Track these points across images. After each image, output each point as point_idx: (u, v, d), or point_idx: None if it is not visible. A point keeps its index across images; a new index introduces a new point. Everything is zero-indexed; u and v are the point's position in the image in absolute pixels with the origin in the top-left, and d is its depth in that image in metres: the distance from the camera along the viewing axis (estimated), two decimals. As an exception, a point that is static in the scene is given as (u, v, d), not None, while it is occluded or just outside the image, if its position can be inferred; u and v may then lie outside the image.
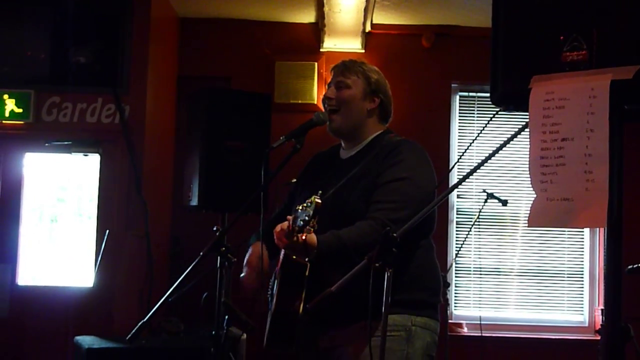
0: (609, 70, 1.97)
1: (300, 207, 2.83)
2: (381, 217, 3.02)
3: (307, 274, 3.05)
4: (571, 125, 2.00)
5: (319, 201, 2.76)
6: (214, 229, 3.70)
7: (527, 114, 2.13)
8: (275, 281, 3.27)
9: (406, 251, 3.05)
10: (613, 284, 2.12)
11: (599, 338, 2.14)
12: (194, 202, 4.82)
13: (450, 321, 6.51)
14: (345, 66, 3.42)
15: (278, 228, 2.98)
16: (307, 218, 2.76)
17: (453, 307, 6.83)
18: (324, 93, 3.45)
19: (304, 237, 2.88)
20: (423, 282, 3.20)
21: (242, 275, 3.41)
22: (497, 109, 2.36)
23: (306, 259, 3.02)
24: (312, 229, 2.84)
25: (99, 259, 5.70)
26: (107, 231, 5.69)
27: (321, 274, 3.04)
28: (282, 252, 3.15)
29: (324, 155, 3.57)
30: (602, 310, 2.13)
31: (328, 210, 2.97)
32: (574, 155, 1.99)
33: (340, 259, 2.98)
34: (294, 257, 3.05)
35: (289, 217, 2.92)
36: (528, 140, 2.13)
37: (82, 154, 6.06)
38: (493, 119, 2.58)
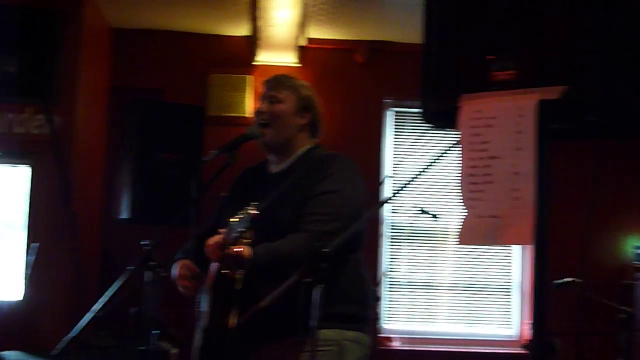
0: (536, 90, 2.01)
1: (235, 219, 2.81)
2: (314, 229, 3.03)
3: (238, 288, 3.03)
4: (499, 144, 2.03)
5: (256, 212, 2.74)
6: (143, 243, 3.67)
7: (457, 131, 2.16)
8: (205, 297, 3.25)
9: (336, 265, 3.06)
10: (539, 299, 2.16)
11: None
12: (125, 215, 4.78)
13: (380, 335, 6.54)
14: (278, 81, 3.44)
15: (211, 241, 2.96)
16: (242, 230, 2.74)
17: (384, 321, 6.85)
18: (256, 107, 3.45)
19: (237, 250, 2.86)
20: (354, 296, 3.22)
21: (181, 289, 3.38)
22: (428, 126, 2.39)
23: (238, 273, 3.01)
24: (247, 241, 2.82)
25: (28, 272, 5.59)
26: (36, 244, 5.58)
27: (253, 288, 3.03)
28: (213, 266, 3.13)
29: (253, 170, 3.57)
30: (530, 324, 2.17)
31: (262, 223, 2.97)
32: (501, 173, 2.01)
33: (274, 272, 2.97)
34: (226, 271, 3.03)
35: (222, 230, 2.91)
36: (459, 156, 2.16)
37: (10, 165, 5.95)
38: (425, 135, 2.60)
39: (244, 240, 2.76)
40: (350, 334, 3.17)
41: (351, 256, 3.23)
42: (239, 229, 2.75)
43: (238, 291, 3.01)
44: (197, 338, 3.29)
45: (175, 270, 3.39)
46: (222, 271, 3.04)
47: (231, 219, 2.83)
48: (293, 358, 3.02)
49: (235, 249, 2.85)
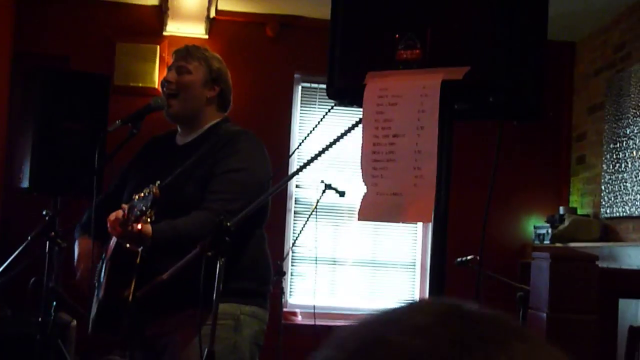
0: (440, 70, 2.03)
1: (137, 197, 2.78)
2: (217, 208, 3.00)
3: (138, 261, 3.01)
4: (403, 122, 2.05)
5: (157, 192, 2.71)
6: (44, 212, 3.60)
7: (362, 109, 2.17)
8: (104, 267, 3.21)
9: (239, 241, 3.05)
10: (437, 276, 2.19)
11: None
12: (25, 184, 4.68)
13: (285, 309, 6.56)
14: (188, 51, 3.38)
15: (112, 217, 2.90)
16: (144, 208, 2.71)
17: (288, 296, 6.88)
18: (163, 77, 3.40)
19: (139, 227, 2.82)
20: (253, 272, 3.22)
21: (77, 277, 3.33)
22: (334, 103, 2.40)
23: (134, 247, 2.98)
24: (148, 219, 2.78)
25: None
26: None
27: (153, 262, 3.01)
28: (114, 239, 3.09)
29: (160, 139, 3.52)
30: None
31: (163, 198, 2.94)
32: (404, 151, 2.03)
33: (175, 249, 2.95)
34: (127, 245, 3.00)
35: (124, 206, 2.86)
36: (362, 134, 2.17)
37: None
38: (332, 111, 2.61)
39: (146, 218, 2.73)
40: (247, 308, 3.17)
41: (254, 232, 3.23)
42: (141, 207, 2.72)
43: (137, 264, 2.99)
44: (93, 309, 3.25)
45: (76, 248, 3.35)
46: (123, 245, 3.01)
47: (134, 195, 2.79)
48: (190, 331, 3.01)
49: (136, 227, 2.81)
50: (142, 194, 2.74)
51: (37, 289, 3.97)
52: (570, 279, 2.66)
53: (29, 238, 3.27)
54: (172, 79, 3.32)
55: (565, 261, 2.71)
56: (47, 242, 3.66)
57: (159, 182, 2.75)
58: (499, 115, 2.21)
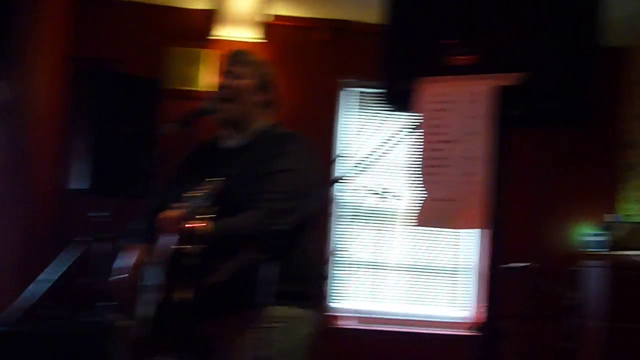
0: (493, 76, 2.03)
1: (194, 193, 2.80)
2: (268, 207, 3.04)
3: (191, 263, 3.03)
4: (454, 128, 2.05)
5: (217, 187, 2.72)
6: (99, 214, 3.65)
7: (414, 114, 2.17)
8: (151, 270, 3.24)
9: (291, 243, 3.08)
10: (491, 282, 2.19)
11: (474, 334, 2.21)
12: (79, 185, 4.74)
13: (328, 314, 6.56)
14: (239, 56, 3.44)
15: (167, 214, 2.93)
16: (202, 204, 2.72)
17: (331, 300, 6.88)
18: (215, 81, 3.43)
19: (195, 225, 2.84)
20: (305, 274, 3.24)
21: (117, 278, 3.36)
22: (385, 108, 2.40)
23: (194, 247, 3.01)
24: (207, 216, 2.79)
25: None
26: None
27: (207, 263, 3.03)
28: (165, 239, 3.12)
29: (207, 145, 3.57)
30: (479, 307, 2.20)
31: (218, 198, 2.97)
32: (456, 157, 2.04)
33: (228, 248, 2.99)
34: (183, 245, 3.03)
35: (176, 205, 2.89)
36: (411, 138, 2.17)
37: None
38: (380, 116, 2.62)
39: (204, 215, 2.74)
40: (299, 311, 3.19)
41: (303, 234, 3.25)
42: (199, 203, 2.73)
43: (192, 266, 3.01)
44: (142, 311, 3.28)
45: (119, 259, 3.38)
46: (181, 246, 3.04)
47: (191, 193, 2.81)
48: (242, 333, 3.04)
49: (192, 224, 2.83)
50: (199, 192, 2.76)
51: (91, 289, 4.03)
52: (635, 287, 2.65)
53: (80, 240, 3.32)
54: (226, 83, 3.38)
55: (627, 269, 2.69)
56: (102, 243, 3.71)
57: (217, 179, 2.77)
58: (551, 122, 2.20)
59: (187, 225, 2.84)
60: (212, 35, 6.77)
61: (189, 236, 2.89)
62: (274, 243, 2.51)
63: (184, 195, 2.86)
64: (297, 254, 3.19)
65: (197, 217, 2.77)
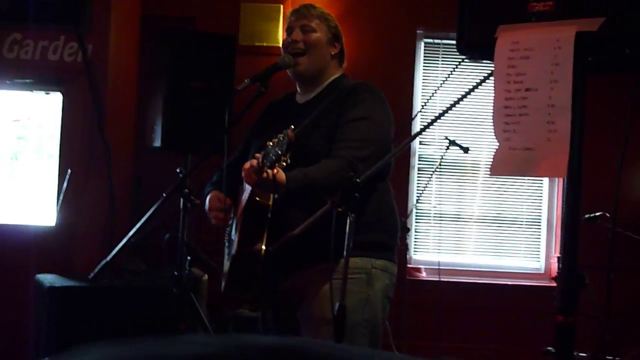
0: (574, 21, 1.98)
1: (271, 143, 2.81)
2: (346, 155, 3.07)
3: (269, 215, 3.07)
4: (535, 76, 2.01)
5: (292, 135, 2.72)
6: (177, 170, 3.70)
7: (492, 63, 2.14)
8: (234, 226, 3.28)
9: (365, 194, 3.09)
10: (570, 232, 2.16)
11: (554, 284, 2.19)
12: (157, 143, 4.80)
13: (409, 265, 6.58)
14: (308, 10, 3.45)
15: (247, 165, 2.95)
16: (279, 152, 2.73)
17: (412, 252, 6.89)
18: (288, 37, 3.43)
19: (274, 172, 2.85)
20: (382, 225, 3.26)
21: (213, 220, 3.41)
22: (462, 57, 2.37)
23: (270, 200, 3.04)
24: (284, 164, 2.78)
25: (61, 197, 5.66)
26: (69, 171, 5.64)
27: (283, 216, 3.06)
28: (245, 194, 3.16)
29: (279, 102, 3.61)
30: (558, 257, 2.18)
31: (295, 147, 2.99)
32: (537, 105, 2.00)
33: (308, 196, 3.02)
34: (258, 198, 3.06)
35: (257, 155, 2.90)
36: (492, 89, 2.14)
37: (43, 92, 5.98)
38: (458, 67, 2.59)
39: (282, 163, 2.74)
40: (379, 262, 3.21)
41: (379, 185, 3.25)
42: (276, 152, 2.73)
43: (268, 218, 3.04)
44: (226, 264, 3.34)
45: (207, 202, 3.43)
46: (255, 198, 3.06)
47: (268, 142, 2.82)
48: (322, 284, 3.07)
49: (271, 172, 2.84)
50: (276, 140, 2.77)
51: (171, 244, 4.10)
52: None
53: (164, 195, 3.37)
54: (299, 37, 3.38)
55: None
56: (181, 199, 3.76)
57: (292, 126, 2.78)
58: (634, 68, 2.15)
59: (265, 174, 2.85)
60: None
61: (269, 185, 2.90)
62: (351, 195, 2.51)
63: (265, 144, 2.86)
64: (374, 205, 3.20)
65: (276, 164, 2.75)
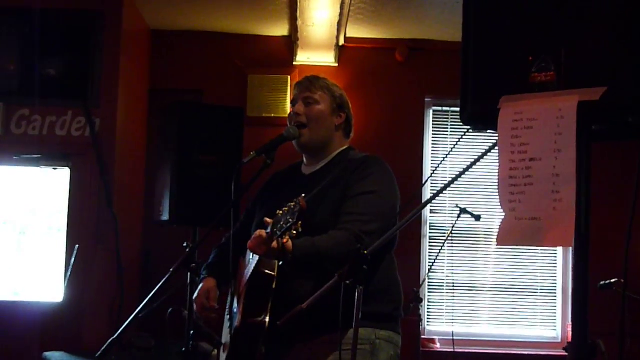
0: (576, 91, 2.01)
1: (281, 211, 2.82)
2: (353, 229, 3.08)
3: (274, 286, 3.08)
4: (539, 146, 2.04)
5: (304, 203, 2.73)
6: (184, 244, 3.72)
7: (497, 133, 2.17)
8: (235, 299, 3.30)
9: (375, 265, 3.10)
10: (580, 301, 2.17)
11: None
12: (165, 216, 4.83)
13: (422, 337, 6.54)
14: (310, 82, 3.50)
15: (257, 234, 2.95)
16: (290, 220, 2.74)
17: (426, 323, 6.86)
18: (292, 108, 3.49)
19: (284, 241, 2.88)
20: (387, 296, 3.27)
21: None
22: (467, 128, 2.40)
23: (275, 271, 3.05)
24: (294, 232, 2.80)
25: (69, 273, 5.68)
26: (77, 245, 5.67)
27: (288, 286, 3.08)
28: (250, 266, 3.17)
29: (283, 173, 3.64)
30: (570, 325, 2.18)
31: (306, 216, 3.01)
32: (541, 175, 2.02)
33: (314, 267, 3.04)
34: (265, 270, 3.07)
35: (268, 220, 2.92)
36: (498, 158, 2.17)
37: (51, 167, 6.04)
38: (466, 134, 2.62)
39: (293, 232, 2.76)
40: (383, 333, 3.21)
41: (387, 256, 3.28)
42: (287, 219, 2.75)
43: (273, 289, 3.06)
44: (225, 337, 3.35)
45: (196, 293, 3.47)
46: (262, 270, 3.08)
47: (278, 211, 2.83)
48: (327, 357, 3.07)
49: (281, 241, 2.86)
50: (287, 208, 2.78)
51: (175, 318, 4.10)
52: None
53: (171, 270, 3.38)
54: (301, 111, 3.44)
55: None
56: (188, 274, 3.78)
57: (304, 194, 2.80)
58: (638, 135, 2.17)
59: (275, 244, 2.87)
60: (294, 62, 6.85)
61: (277, 252, 2.92)
62: (360, 266, 2.52)
63: (275, 213, 2.87)
64: (379, 276, 3.22)
65: (288, 231, 2.78)
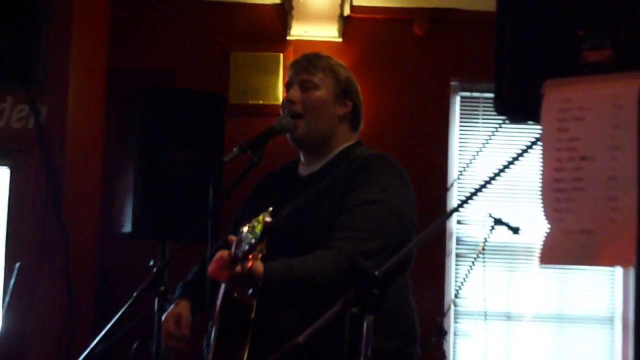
0: (638, 74, 2.01)
1: (246, 228, 2.80)
2: (347, 248, 3.00)
3: (252, 316, 3.05)
4: (592, 141, 2.04)
5: (268, 220, 2.69)
6: (151, 263, 3.71)
7: (538, 125, 2.17)
8: (213, 328, 3.28)
9: (385, 291, 3.09)
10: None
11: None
12: (127, 228, 4.83)
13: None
14: (310, 61, 3.45)
15: (217, 257, 2.91)
16: (253, 241, 2.72)
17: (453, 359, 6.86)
18: (287, 94, 3.46)
19: (248, 265, 2.80)
20: (397, 328, 3.24)
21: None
22: (503, 118, 2.40)
23: (250, 294, 3.02)
24: (259, 254, 2.77)
25: (7, 298, 5.67)
26: (18, 264, 5.66)
27: (272, 316, 3.06)
28: (222, 289, 3.16)
29: (277, 173, 3.63)
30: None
31: (281, 236, 2.98)
32: (595, 177, 2.02)
33: (292, 295, 3.01)
34: (236, 294, 3.05)
35: (232, 238, 2.90)
36: (542, 157, 2.17)
37: (-15, 166, 6.05)
38: (502, 127, 2.62)
39: (256, 254, 2.73)
40: None
41: (396, 279, 3.24)
42: (249, 240, 2.73)
43: (251, 319, 3.03)
44: None
45: (163, 317, 3.47)
46: (233, 295, 3.06)
47: (242, 229, 2.82)
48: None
49: (245, 265, 2.79)
50: (251, 225, 2.76)
51: (141, 354, 4.10)
52: None
53: (135, 294, 3.38)
54: (296, 97, 3.39)
55: None
56: (156, 299, 3.77)
57: (271, 208, 2.76)
58: None
59: (238, 268, 2.82)
60: (287, 36, 6.84)
61: (243, 279, 2.87)
62: (369, 290, 2.52)
63: (240, 230, 2.86)
64: (390, 303, 3.19)
65: (251, 253, 2.75)
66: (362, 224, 3.11)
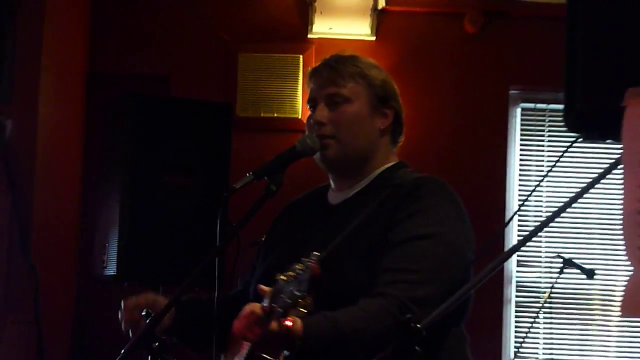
0: None
1: (284, 277, 2.79)
2: (397, 295, 3.02)
3: None
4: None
5: (317, 267, 2.69)
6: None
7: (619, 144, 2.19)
8: None
9: (431, 346, 3.10)
10: None
11: None
12: (111, 270, 4.85)
13: None
14: (334, 69, 3.39)
15: (246, 311, 2.91)
16: (297, 294, 2.70)
17: None
18: (308, 115, 3.45)
19: (288, 323, 2.79)
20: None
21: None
22: (575, 136, 2.42)
23: (285, 356, 3.03)
24: (304, 310, 2.76)
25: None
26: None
27: None
28: (243, 351, 3.17)
29: (303, 202, 3.63)
30: None
31: (321, 283, 3.00)
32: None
33: (335, 355, 3.03)
34: (265, 355, 3.06)
35: (264, 289, 2.89)
36: (622, 182, 2.18)
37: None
38: (573, 146, 2.63)
39: (301, 310, 2.74)
40: None
41: (449, 331, 3.26)
42: (291, 292, 2.73)
43: None
44: None
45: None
46: (260, 355, 3.06)
47: (279, 276, 2.81)
48: None
49: (284, 323, 2.79)
50: (292, 273, 2.75)
51: None
52: None
53: (123, 351, 3.40)
54: (324, 117, 3.34)
55: None
56: (149, 357, 3.80)
57: (317, 253, 2.75)
58: None
59: (274, 327, 2.83)
60: (308, 34, 6.86)
61: (279, 341, 2.88)
62: (410, 346, 2.53)
63: (274, 278, 2.85)
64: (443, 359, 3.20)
65: (294, 308, 2.75)
66: (413, 263, 3.10)
